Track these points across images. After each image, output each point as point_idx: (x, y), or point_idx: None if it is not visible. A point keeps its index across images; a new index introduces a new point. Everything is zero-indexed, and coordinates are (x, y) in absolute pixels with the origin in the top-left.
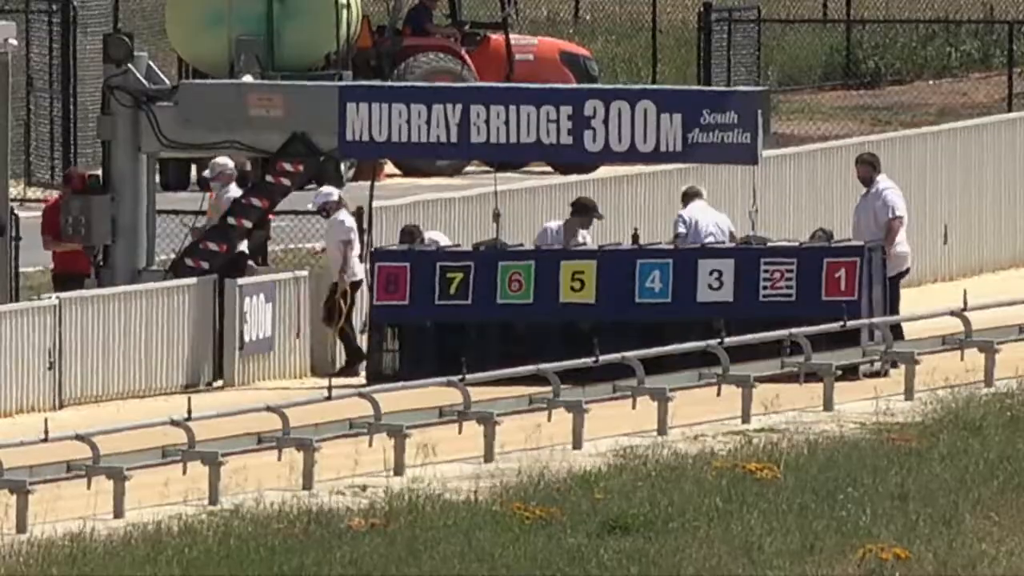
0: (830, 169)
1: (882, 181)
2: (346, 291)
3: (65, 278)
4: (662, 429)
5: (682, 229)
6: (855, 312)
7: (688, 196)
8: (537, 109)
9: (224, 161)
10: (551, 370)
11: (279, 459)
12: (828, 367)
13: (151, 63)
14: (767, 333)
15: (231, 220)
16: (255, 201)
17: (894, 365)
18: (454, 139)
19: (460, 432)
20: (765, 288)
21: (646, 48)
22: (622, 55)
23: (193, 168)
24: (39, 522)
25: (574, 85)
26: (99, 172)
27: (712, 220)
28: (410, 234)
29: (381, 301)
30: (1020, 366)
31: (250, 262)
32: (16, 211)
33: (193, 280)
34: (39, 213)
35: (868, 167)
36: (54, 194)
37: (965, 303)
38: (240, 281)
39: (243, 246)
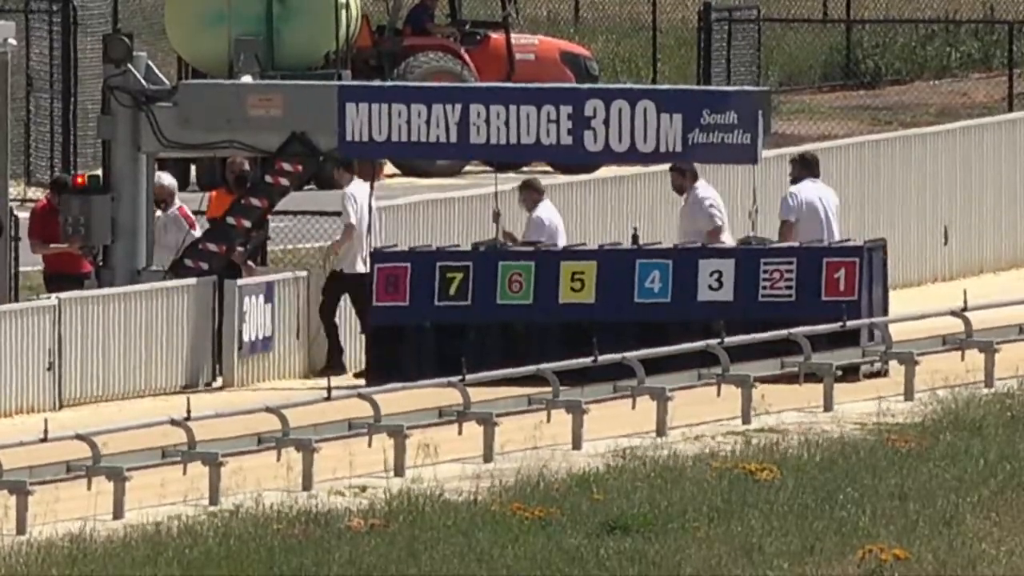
0: (830, 169)
1: (700, 188)
2: None
3: (57, 279)
4: (662, 429)
5: (791, 216)
6: (855, 312)
7: (803, 166)
8: (537, 109)
9: None
10: (550, 370)
11: (279, 459)
12: (828, 367)
13: (150, 63)
14: (767, 333)
15: (231, 220)
16: (255, 201)
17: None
18: (454, 139)
19: (460, 432)
20: (765, 288)
21: (646, 48)
22: (622, 55)
23: (193, 168)
24: (39, 523)
25: (574, 85)
26: (98, 172)
27: (819, 197)
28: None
29: (381, 302)
30: (1020, 366)
31: (250, 262)
32: (16, 211)
33: (193, 280)
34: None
35: (678, 175)
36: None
37: (965, 303)
38: (240, 281)
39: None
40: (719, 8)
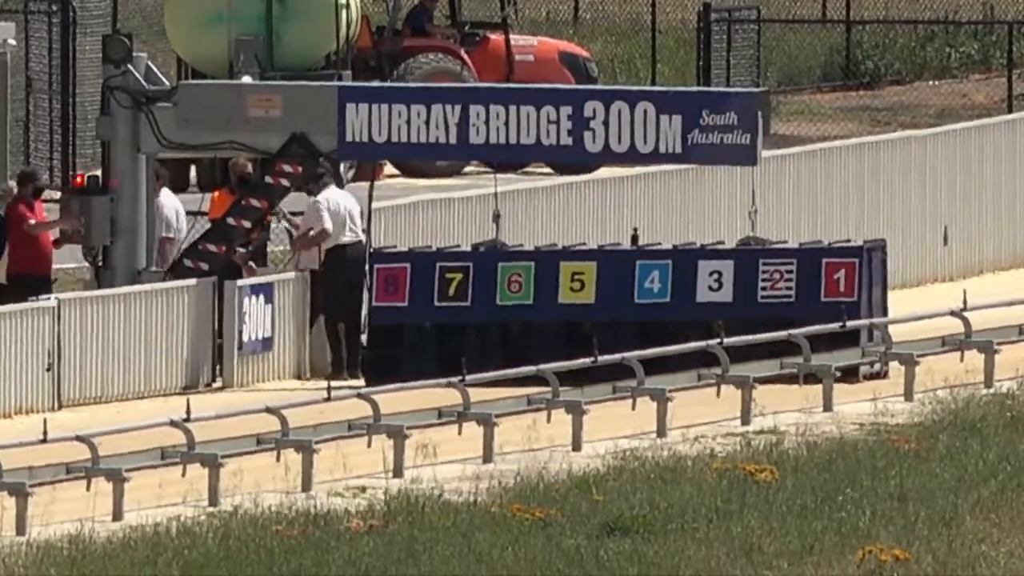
0: (830, 169)
1: (162, 195)
2: None
3: (19, 280)
4: (661, 430)
5: (328, 224)
6: (854, 313)
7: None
8: (537, 110)
9: None
10: (550, 371)
11: (278, 460)
12: (827, 368)
13: (150, 64)
14: (767, 334)
15: (231, 221)
16: (254, 202)
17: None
18: (454, 140)
19: (460, 433)
20: (764, 289)
21: (645, 48)
22: (621, 55)
23: (193, 168)
24: (38, 524)
25: (574, 86)
26: (94, 173)
27: (345, 204)
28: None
29: (381, 302)
30: (1020, 366)
31: (251, 263)
32: None
33: (192, 281)
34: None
35: (155, 179)
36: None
37: (965, 303)
38: (240, 281)
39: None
40: (718, 9)
